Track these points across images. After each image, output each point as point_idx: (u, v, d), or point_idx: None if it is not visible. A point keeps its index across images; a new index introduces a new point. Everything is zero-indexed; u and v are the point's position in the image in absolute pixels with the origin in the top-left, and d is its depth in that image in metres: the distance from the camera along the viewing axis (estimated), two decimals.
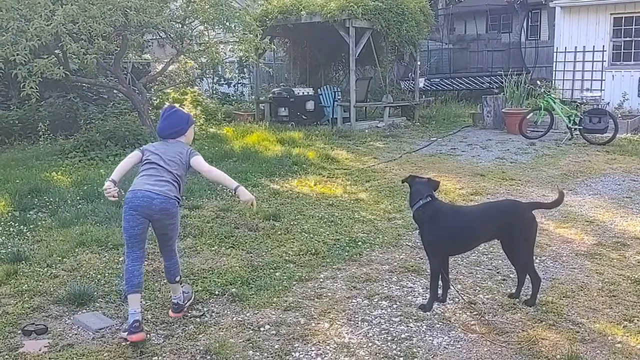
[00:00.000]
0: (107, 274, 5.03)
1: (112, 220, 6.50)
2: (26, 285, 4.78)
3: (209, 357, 3.71)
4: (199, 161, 4.24)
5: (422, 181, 4.57)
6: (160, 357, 3.72)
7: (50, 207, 7.08)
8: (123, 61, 12.30)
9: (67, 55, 10.13)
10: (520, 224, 4.37)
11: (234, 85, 19.57)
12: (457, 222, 4.40)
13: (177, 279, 4.33)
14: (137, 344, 3.82)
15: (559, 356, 3.66)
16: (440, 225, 4.33)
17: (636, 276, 4.93)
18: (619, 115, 13.52)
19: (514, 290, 4.60)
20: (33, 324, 4.10)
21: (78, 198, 7.39)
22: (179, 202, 4.18)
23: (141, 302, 4.47)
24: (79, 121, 12.32)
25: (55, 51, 10.09)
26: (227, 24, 11.04)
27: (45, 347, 3.83)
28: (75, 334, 4.04)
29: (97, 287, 4.75)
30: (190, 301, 4.48)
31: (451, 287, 4.51)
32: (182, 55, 11.73)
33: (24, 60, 8.71)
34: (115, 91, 12.96)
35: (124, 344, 3.87)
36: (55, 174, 8.90)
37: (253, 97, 17.73)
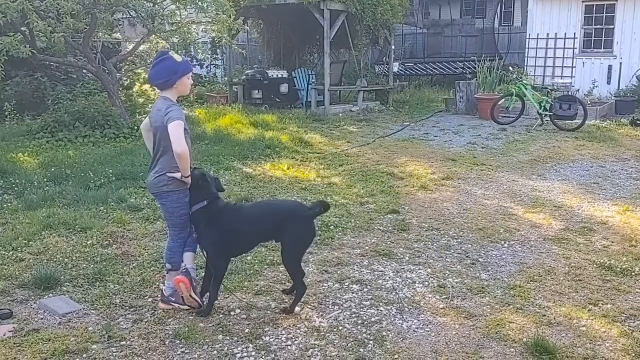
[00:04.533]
0: (74, 258, 4.95)
1: (80, 202, 6.40)
2: None
3: (178, 341, 3.68)
4: (171, 130, 3.73)
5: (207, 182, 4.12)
6: (128, 342, 3.68)
7: (16, 188, 6.93)
8: (92, 40, 11.95)
9: (34, 33, 9.84)
10: (294, 228, 4.08)
11: (207, 67, 19.30)
12: (236, 222, 4.08)
13: (166, 266, 4.14)
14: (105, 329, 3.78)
15: (525, 339, 3.72)
16: (221, 225, 4.03)
17: (601, 261, 5.03)
18: (589, 102, 13.74)
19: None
20: None
21: (45, 180, 7.25)
22: (167, 179, 3.87)
23: (109, 286, 4.44)
24: (46, 101, 12.04)
25: (22, 29, 9.80)
26: (200, 3, 10.87)
27: (10, 332, 3.75)
28: (42, 319, 3.97)
29: (64, 271, 4.67)
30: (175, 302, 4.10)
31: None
32: (153, 35, 11.47)
33: None
34: (84, 71, 12.64)
35: (90, 328, 3.82)
36: (22, 155, 8.70)
37: (226, 78, 17.51)
